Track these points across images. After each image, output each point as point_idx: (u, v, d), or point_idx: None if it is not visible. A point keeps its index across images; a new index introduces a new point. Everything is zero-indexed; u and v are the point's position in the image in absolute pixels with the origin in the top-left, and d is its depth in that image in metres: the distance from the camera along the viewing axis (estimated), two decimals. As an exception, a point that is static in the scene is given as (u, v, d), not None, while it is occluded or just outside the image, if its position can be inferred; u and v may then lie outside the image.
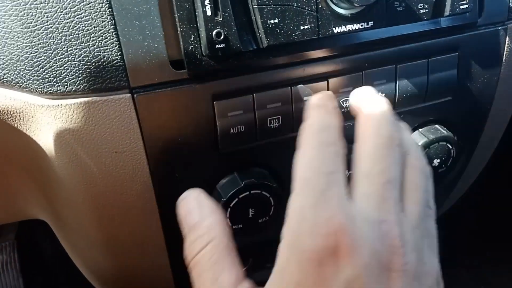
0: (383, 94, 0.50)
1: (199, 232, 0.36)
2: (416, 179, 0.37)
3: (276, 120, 0.47)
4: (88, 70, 0.39)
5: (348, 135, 0.37)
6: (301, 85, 0.46)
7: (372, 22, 0.45)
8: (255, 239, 0.50)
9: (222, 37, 0.40)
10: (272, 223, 0.50)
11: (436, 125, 0.56)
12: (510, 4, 0.53)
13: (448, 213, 0.74)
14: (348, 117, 0.49)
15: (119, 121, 0.42)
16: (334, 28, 0.43)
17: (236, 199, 0.47)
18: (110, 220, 0.47)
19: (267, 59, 0.44)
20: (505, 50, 0.55)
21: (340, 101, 0.49)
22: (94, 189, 0.45)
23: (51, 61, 0.39)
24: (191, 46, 0.41)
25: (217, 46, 0.40)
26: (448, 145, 0.56)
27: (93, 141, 0.42)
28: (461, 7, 0.48)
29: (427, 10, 0.47)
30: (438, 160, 0.56)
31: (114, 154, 0.43)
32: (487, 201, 1.13)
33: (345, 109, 0.49)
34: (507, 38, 0.55)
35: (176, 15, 0.40)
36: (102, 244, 0.50)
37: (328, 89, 0.47)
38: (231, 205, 0.47)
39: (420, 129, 0.55)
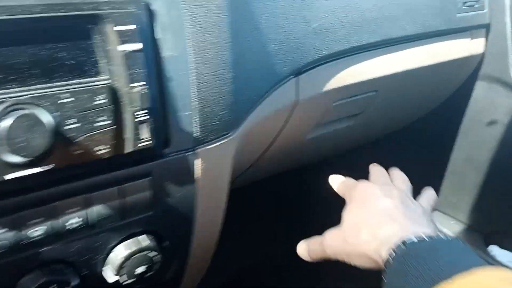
0: (81, 218, 0.58)
1: None
2: None
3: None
4: None
5: None
6: (-15, 222, 0.51)
7: (53, 164, 0.52)
8: None
9: None
10: None
11: (139, 237, 0.64)
12: (194, 135, 0.65)
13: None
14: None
15: None
16: (5, 176, 0.49)
17: None
18: None
19: None
20: (199, 168, 0.67)
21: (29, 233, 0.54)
22: None
23: None
24: None
25: None
26: (151, 252, 0.64)
27: None
28: (140, 145, 0.58)
29: (108, 150, 0.56)
30: (144, 267, 0.64)
31: None
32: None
33: (41, 236, 0.55)
34: (200, 159, 0.66)
35: None
36: None
37: (14, 224, 0.53)
38: None
39: (125, 242, 0.63)
